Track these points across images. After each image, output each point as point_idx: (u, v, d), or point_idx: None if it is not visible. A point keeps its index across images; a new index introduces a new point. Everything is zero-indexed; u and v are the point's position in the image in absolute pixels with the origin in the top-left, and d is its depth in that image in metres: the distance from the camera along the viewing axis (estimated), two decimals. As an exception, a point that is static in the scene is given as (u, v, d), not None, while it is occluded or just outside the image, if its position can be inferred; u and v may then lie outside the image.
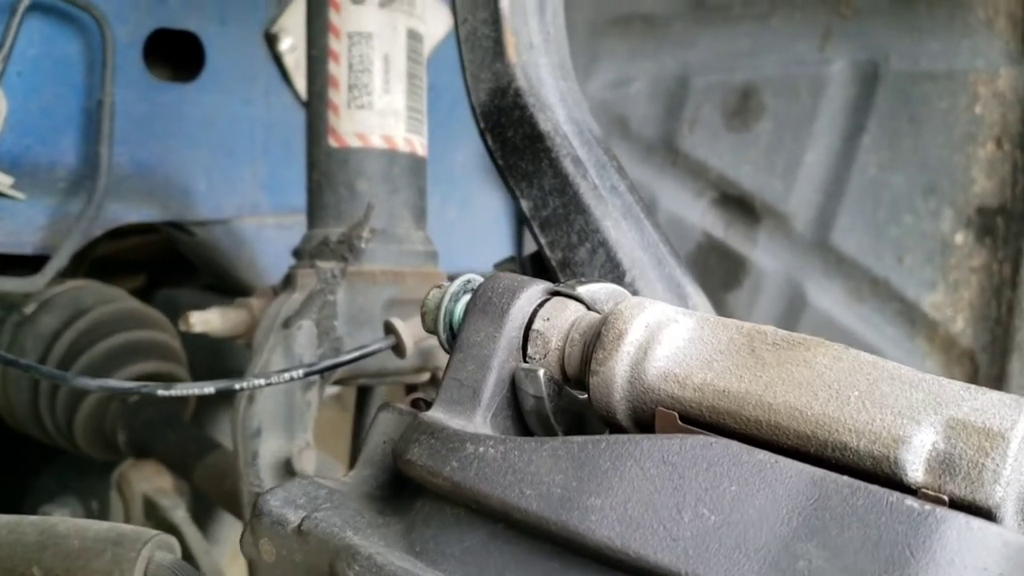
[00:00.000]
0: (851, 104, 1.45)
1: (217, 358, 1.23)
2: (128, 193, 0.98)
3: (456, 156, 1.38)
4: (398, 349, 0.68)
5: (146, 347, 1.04)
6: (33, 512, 1.09)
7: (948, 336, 1.37)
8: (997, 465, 0.34)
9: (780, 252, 1.51)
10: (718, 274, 1.59)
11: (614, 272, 0.65)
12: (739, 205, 1.52)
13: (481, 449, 0.39)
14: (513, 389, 0.46)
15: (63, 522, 0.60)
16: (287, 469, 0.74)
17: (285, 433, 0.75)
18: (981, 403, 0.36)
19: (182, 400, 1.04)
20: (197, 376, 1.09)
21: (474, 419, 0.45)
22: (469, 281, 0.50)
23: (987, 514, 0.33)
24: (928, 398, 0.36)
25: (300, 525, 0.42)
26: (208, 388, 0.65)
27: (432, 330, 0.50)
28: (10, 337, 1.04)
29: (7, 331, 1.05)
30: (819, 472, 0.34)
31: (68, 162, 0.94)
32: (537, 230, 0.68)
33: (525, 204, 0.69)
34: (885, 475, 0.35)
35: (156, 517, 1.11)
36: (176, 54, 1.06)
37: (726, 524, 0.33)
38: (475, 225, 1.42)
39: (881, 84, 1.42)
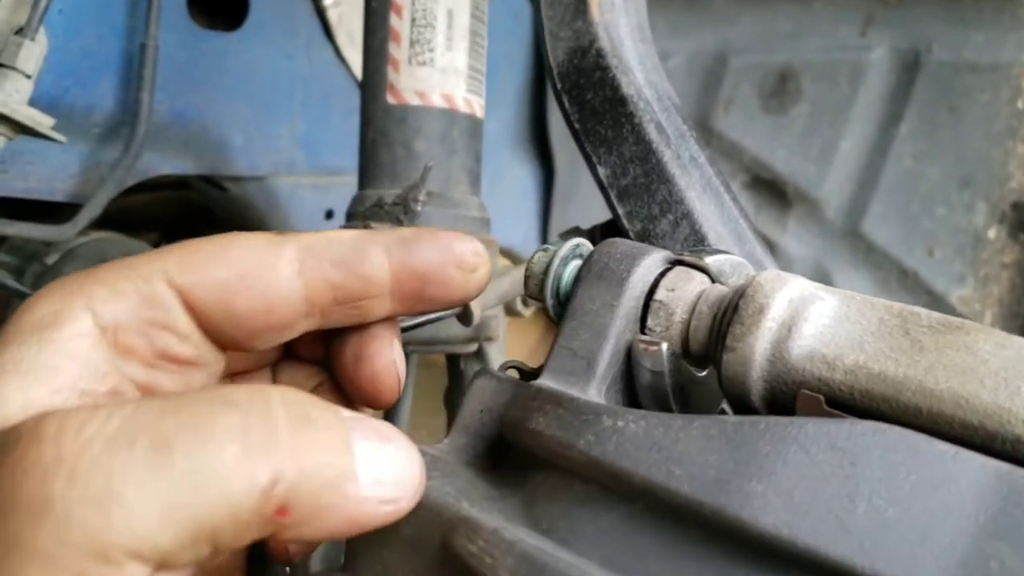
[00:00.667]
0: (890, 92, 1.43)
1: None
2: (164, 143, 0.94)
3: (489, 125, 1.34)
4: (465, 317, 0.65)
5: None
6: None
7: (975, 332, 1.35)
8: None
9: (809, 238, 1.49)
10: (744, 259, 1.57)
11: (698, 246, 0.62)
12: (771, 189, 1.49)
13: (620, 423, 0.36)
14: (628, 362, 0.43)
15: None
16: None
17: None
18: None
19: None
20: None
21: (588, 391, 0.42)
22: (579, 245, 0.47)
23: None
24: (1106, 392, 0.34)
25: (410, 495, 0.39)
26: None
27: (537, 296, 0.47)
28: (31, 287, 1.00)
29: (28, 281, 1.01)
30: (1004, 466, 0.31)
31: (106, 107, 0.89)
32: (615, 199, 0.65)
33: (603, 171, 0.66)
34: (1062, 473, 0.33)
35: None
36: (216, 3, 1.01)
37: (906, 517, 0.31)
38: (504, 198, 1.38)
39: (922, 73, 1.40)
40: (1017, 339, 0.37)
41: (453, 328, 0.73)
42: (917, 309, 0.39)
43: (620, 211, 0.65)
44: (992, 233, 1.37)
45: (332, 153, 1.09)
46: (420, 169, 0.75)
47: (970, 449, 0.35)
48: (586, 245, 0.47)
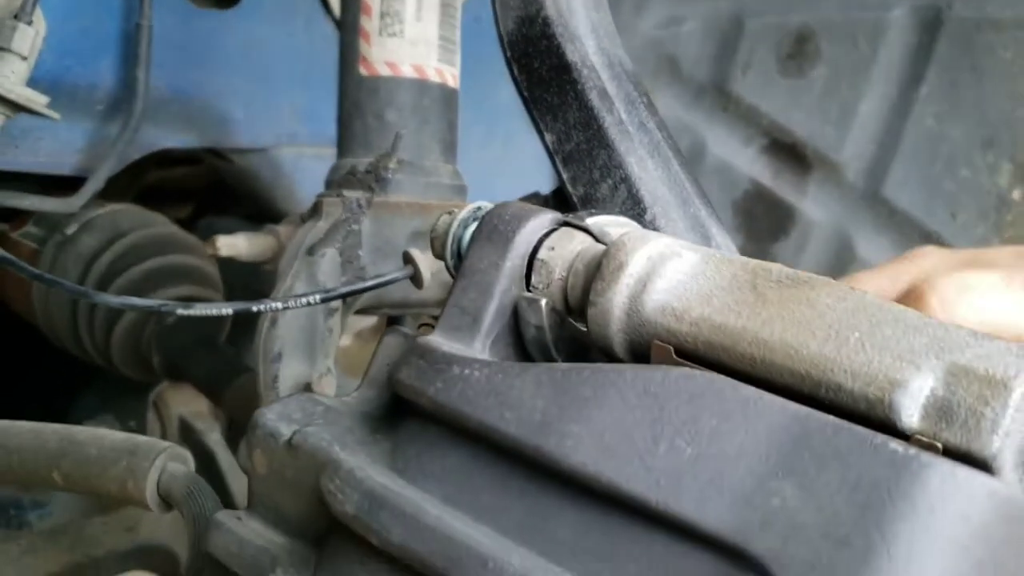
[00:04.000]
0: (910, 52, 1.40)
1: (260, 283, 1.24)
2: (166, 118, 0.99)
3: (500, 93, 1.35)
4: (416, 279, 0.68)
5: (181, 271, 1.05)
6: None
7: (999, 296, 1.32)
8: (996, 414, 0.32)
9: (830, 203, 1.47)
10: (765, 223, 1.56)
11: (635, 208, 0.64)
12: (790, 153, 1.48)
13: (466, 371, 0.38)
14: (515, 318, 0.46)
15: (83, 431, 0.62)
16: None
17: (306, 358, 0.75)
18: (987, 350, 0.34)
19: (217, 323, 1.06)
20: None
21: (473, 345, 0.45)
22: (479, 208, 0.50)
23: (982, 464, 0.32)
24: (931, 343, 0.35)
25: (291, 439, 0.42)
26: (226, 309, 0.65)
27: (440, 255, 0.50)
28: (52, 257, 1.06)
29: (49, 251, 1.08)
30: (803, 410, 0.33)
31: (106, 84, 0.94)
32: (560, 165, 0.67)
33: (549, 138, 0.68)
34: (879, 419, 0.34)
35: (191, 440, 1.14)
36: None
37: (702, 457, 0.33)
38: (518, 162, 1.40)
39: (943, 31, 1.36)
40: (859, 292, 0.38)
41: (420, 291, 0.76)
42: (771, 265, 0.40)
43: (564, 176, 0.67)
44: (1017, 195, 1.34)
45: (333, 125, 1.12)
46: (391, 138, 0.78)
47: (799, 397, 0.36)
48: (487, 207, 0.50)
